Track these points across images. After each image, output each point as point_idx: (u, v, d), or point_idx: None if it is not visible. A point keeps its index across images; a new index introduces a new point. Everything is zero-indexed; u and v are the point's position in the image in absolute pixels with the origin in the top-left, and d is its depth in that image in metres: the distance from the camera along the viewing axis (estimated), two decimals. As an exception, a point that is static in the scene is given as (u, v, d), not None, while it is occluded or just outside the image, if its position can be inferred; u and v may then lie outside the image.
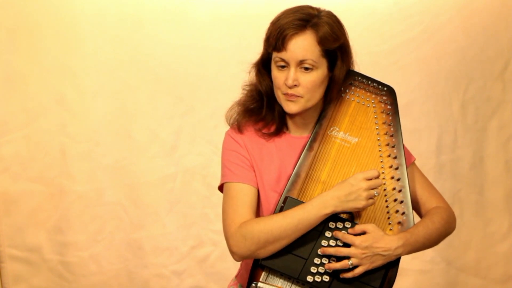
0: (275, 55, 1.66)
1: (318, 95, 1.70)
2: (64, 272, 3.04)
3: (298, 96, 1.67)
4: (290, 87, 1.65)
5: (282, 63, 1.65)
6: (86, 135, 3.01)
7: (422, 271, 3.08)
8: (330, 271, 1.63)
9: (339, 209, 1.61)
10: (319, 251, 1.64)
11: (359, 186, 1.61)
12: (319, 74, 1.67)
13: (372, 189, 1.63)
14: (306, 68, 1.64)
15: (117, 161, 3.03)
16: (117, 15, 2.96)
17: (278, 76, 1.67)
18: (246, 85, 1.79)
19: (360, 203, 1.61)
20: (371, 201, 1.63)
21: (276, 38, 1.63)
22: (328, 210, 1.61)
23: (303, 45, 1.63)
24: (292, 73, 1.64)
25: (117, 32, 2.97)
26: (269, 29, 1.68)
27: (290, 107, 1.69)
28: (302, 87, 1.66)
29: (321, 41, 1.64)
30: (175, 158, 3.05)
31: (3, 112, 2.96)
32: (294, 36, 1.63)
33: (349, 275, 1.62)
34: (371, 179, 1.63)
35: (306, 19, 1.64)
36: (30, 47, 2.94)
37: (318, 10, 1.69)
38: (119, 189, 3.04)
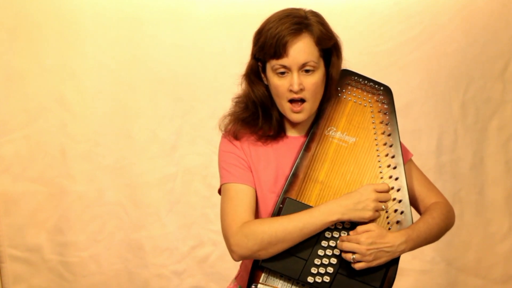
0: (274, 63, 1.64)
1: (320, 96, 1.70)
2: (64, 272, 3.04)
3: (304, 102, 1.66)
4: (296, 92, 1.65)
5: (283, 70, 1.64)
6: (86, 135, 3.01)
7: (422, 271, 3.08)
8: (331, 272, 1.63)
9: (345, 217, 1.62)
10: (323, 251, 1.64)
11: (368, 196, 1.62)
12: (320, 74, 1.67)
13: (381, 202, 1.64)
14: (307, 71, 1.64)
15: (117, 161, 3.03)
16: (117, 15, 2.96)
17: (280, 84, 1.66)
18: (236, 97, 1.78)
19: (368, 213, 1.62)
20: (377, 213, 1.64)
21: (275, 45, 1.62)
22: (334, 217, 1.61)
23: (303, 48, 1.63)
24: (296, 78, 1.64)
25: (117, 32, 2.97)
26: (259, 38, 1.66)
27: (297, 117, 1.69)
28: (307, 91, 1.65)
29: (318, 42, 1.64)
30: (175, 158, 3.05)
31: (3, 112, 2.97)
32: (294, 41, 1.62)
33: (356, 266, 1.61)
34: (381, 192, 1.64)
35: (300, 22, 1.64)
36: (30, 47, 2.95)
37: (303, 10, 1.68)
38: (119, 189, 3.04)
